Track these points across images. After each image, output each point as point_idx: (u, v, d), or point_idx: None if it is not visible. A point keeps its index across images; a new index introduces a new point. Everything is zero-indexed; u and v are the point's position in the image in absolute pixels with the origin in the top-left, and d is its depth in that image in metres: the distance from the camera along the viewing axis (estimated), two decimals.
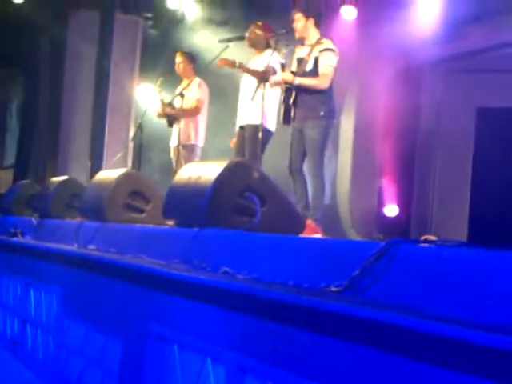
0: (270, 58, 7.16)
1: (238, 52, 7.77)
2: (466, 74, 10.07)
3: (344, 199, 10.55)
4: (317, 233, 6.65)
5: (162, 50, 11.97)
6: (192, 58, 8.83)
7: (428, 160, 10.76)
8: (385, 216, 10.65)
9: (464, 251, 2.43)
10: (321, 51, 6.98)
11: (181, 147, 8.37)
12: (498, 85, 9.54)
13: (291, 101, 6.99)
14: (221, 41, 7.75)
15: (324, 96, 6.97)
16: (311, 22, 7.12)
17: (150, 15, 12.72)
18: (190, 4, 11.32)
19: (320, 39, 7.10)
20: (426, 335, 2.22)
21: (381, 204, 10.75)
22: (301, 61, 7.13)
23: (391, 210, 10.67)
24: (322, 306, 2.69)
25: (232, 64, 7.50)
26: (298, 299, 2.84)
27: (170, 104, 8.48)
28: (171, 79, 9.11)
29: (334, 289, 2.80)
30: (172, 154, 8.65)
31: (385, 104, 10.44)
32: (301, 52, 7.19)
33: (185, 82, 8.72)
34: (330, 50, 7.00)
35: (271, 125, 7.46)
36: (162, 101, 8.52)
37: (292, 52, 7.32)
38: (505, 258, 2.22)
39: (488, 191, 9.16)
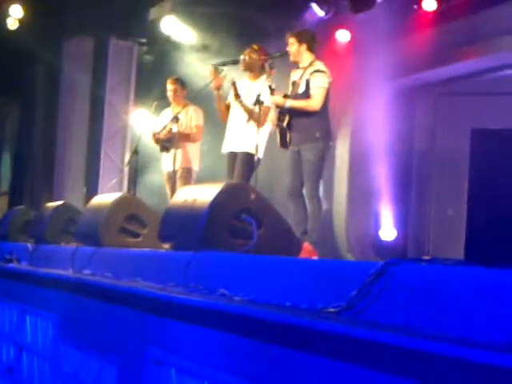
0: (263, 85, 7.17)
1: (232, 76, 7.78)
2: (461, 96, 10.10)
3: (340, 223, 10.54)
4: (313, 256, 6.62)
5: (156, 75, 11.96)
6: (183, 84, 8.87)
7: (424, 182, 10.77)
8: (381, 240, 10.63)
9: (462, 270, 2.42)
10: (311, 73, 7.00)
11: (179, 171, 8.38)
12: (492, 107, 9.56)
13: (285, 124, 6.99)
14: (215, 65, 7.75)
15: (319, 118, 6.97)
16: (304, 46, 7.14)
17: (144, 40, 12.74)
18: (185, 30, 11.36)
19: (313, 62, 7.12)
20: (426, 355, 2.20)
21: (377, 227, 10.73)
22: (294, 84, 7.15)
23: (388, 233, 10.66)
24: (321, 327, 2.67)
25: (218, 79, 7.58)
26: (295, 320, 2.82)
27: (166, 128, 8.47)
28: (166, 104, 9.12)
29: (332, 309, 2.78)
30: (165, 179, 8.66)
31: (380, 127, 10.45)
32: (295, 75, 7.21)
33: (176, 108, 8.73)
34: (321, 71, 7.01)
35: (261, 152, 7.43)
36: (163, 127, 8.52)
37: (287, 76, 7.33)
38: (502, 276, 2.21)
39: (484, 212, 9.12)
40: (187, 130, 8.52)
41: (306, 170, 6.97)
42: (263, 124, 7.32)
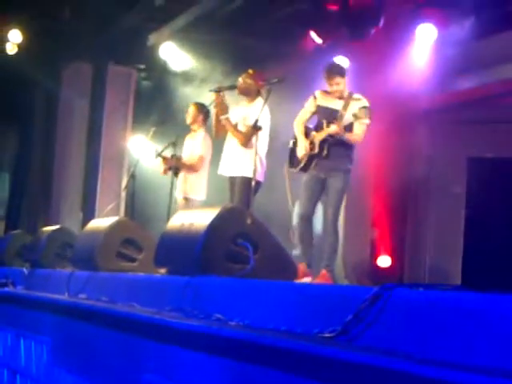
0: (260, 111, 7.13)
1: (229, 101, 7.80)
2: (457, 124, 10.12)
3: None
4: (328, 281, 6.71)
5: (154, 101, 12.03)
6: (202, 108, 8.65)
7: (421, 210, 10.76)
8: (378, 267, 10.61)
9: (457, 295, 2.42)
10: (360, 108, 7.02)
11: (183, 200, 8.35)
12: (488, 135, 9.59)
13: (324, 153, 6.99)
14: (212, 90, 7.76)
15: (351, 150, 7.11)
16: (346, 79, 7.17)
17: (142, 66, 12.78)
18: (183, 56, 11.40)
19: (351, 93, 7.13)
20: (422, 380, 2.19)
21: (374, 255, 10.72)
22: (332, 112, 7.09)
23: (384, 260, 10.64)
24: (316, 352, 2.66)
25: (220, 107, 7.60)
26: (291, 345, 2.81)
27: (173, 155, 8.40)
28: (163, 130, 9.13)
29: (327, 334, 2.78)
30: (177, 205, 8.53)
31: (377, 154, 10.47)
32: (330, 102, 7.13)
33: (192, 134, 8.68)
34: (368, 108, 7.08)
35: (261, 175, 7.42)
36: (162, 156, 8.48)
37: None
38: (498, 302, 2.21)
39: (481, 240, 9.15)
40: (188, 160, 8.48)
41: (332, 198, 7.02)
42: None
